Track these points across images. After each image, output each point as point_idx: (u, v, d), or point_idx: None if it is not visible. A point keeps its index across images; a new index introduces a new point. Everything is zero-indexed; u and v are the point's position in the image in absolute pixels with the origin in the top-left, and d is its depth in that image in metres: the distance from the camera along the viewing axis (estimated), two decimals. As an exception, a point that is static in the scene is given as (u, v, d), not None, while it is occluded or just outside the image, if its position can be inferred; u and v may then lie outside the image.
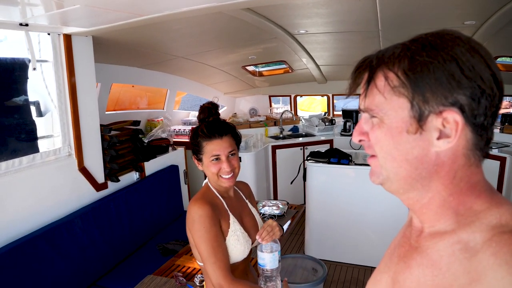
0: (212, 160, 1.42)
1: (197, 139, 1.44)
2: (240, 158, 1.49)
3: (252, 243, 1.49)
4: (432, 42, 0.54)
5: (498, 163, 3.85)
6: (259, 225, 1.57)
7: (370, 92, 0.58)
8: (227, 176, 1.43)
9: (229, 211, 1.47)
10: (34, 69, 2.40)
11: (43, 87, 2.57)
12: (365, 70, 0.58)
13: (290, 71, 4.84)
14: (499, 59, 3.94)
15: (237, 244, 1.43)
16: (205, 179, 1.55)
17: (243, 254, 1.46)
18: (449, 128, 0.53)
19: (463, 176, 0.56)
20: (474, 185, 0.57)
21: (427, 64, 0.52)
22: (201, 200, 1.41)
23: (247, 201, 1.62)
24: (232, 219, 1.46)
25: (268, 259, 1.38)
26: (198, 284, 2.00)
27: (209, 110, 1.47)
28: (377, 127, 0.58)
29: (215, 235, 1.38)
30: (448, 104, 0.52)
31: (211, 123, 1.44)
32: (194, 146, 1.46)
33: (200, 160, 1.46)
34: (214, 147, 1.41)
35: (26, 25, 2.24)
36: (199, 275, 2.05)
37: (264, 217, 2.90)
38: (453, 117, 0.52)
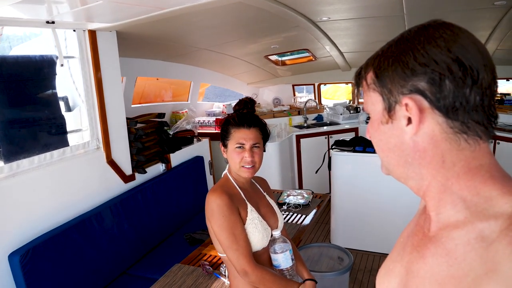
0: (236, 147, 1.48)
1: (227, 125, 1.52)
2: (264, 148, 1.55)
3: (271, 232, 1.51)
4: (403, 36, 0.58)
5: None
6: (277, 215, 1.60)
7: (364, 95, 0.65)
8: (248, 166, 1.47)
9: (246, 201, 1.50)
10: (62, 65, 2.47)
11: (70, 83, 2.65)
12: (358, 77, 0.65)
13: (313, 59, 4.77)
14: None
15: (255, 232, 1.45)
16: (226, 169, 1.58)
17: (262, 242, 1.48)
18: (412, 113, 0.56)
19: (456, 160, 0.56)
20: (475, 169, 0.55)
21: (388, 58, 0.58)
22: (219, 190, 1.44)
23: (264, 193, 1.65)
24: (250, 208, 1.49)
25: (281, 259, 1.47)
26: (224, 273, 2.03)
27: (245, 103, 1.57)
28: (369, 124, 0.66)
29: (235, 222, 1.41)
30: (407, 92, 0.56)
31: (243, 114, 1.52)
32: (223, 132, 1.54)
33: (225, 146, 1.52)
34: (240, 135, 1.47)
35: (53, 22, 2.31)
36: (224, 264, 2.08)
37: (289, 206, 2.91)
38: (411, 102, 0.55)
